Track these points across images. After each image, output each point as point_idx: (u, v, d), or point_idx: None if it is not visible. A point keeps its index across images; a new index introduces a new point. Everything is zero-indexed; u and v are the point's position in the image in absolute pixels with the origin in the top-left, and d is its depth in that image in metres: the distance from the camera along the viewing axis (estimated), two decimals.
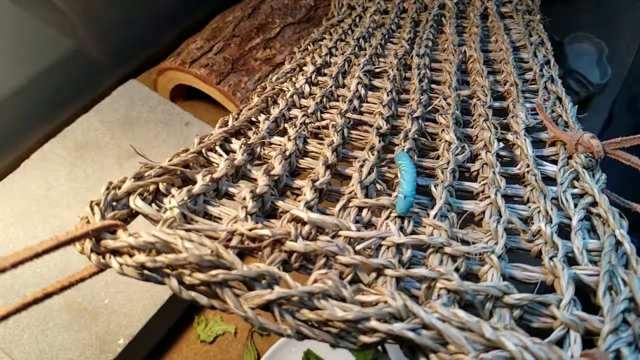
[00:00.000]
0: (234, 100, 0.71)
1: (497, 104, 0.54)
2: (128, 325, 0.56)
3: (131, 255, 0.30)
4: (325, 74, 0.60)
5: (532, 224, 0.37)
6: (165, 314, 0.59)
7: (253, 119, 0.49)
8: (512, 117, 0.50)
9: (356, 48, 0.65)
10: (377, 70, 0.61)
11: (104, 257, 0.31)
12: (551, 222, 0.35)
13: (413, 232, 0.36)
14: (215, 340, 0.64)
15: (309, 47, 0.68)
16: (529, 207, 0.39)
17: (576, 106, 0.52)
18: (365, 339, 0.27)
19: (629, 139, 0.40)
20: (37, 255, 0.28)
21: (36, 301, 0.28)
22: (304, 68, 0.61)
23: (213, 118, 0.79)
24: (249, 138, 0.45)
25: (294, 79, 0.58)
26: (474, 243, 0.34)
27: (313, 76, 0.58)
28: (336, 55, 0.65)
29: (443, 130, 0.49)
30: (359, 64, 0.61)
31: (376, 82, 0.59)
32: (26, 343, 0.54)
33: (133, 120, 0.75)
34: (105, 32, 0.79)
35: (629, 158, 0.39)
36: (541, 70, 0.58)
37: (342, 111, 0.51)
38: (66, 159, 0.69)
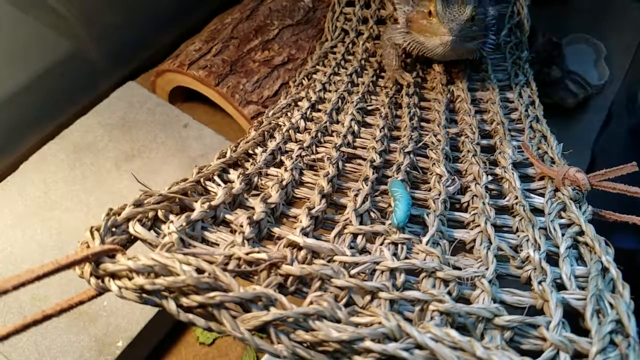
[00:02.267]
0: (232, 102, 0.72)
1: (484, 142, 0.56)
2: (127, 328, 0.56)
3: (130, 279, 0.31)
4: (319, 110, 0.62)
5: (521, 251, 0.38)
6: (164, 316, 0.59)
7: (250, 152, 0.51)
8: (500, 153, 0.52)
9: (349, 84, 0.68)
10: (369, 108, 0.64)
11: (103, 281, 0.32)
12: (540, 249, 0.37)
13: (406, 258, 0.37)
14: (214, 342, 0.63)
15: (303, 81, 0.70)
16: (518, 236, 0.40)
17: (561, 144, 0.54)
18: (360, 359, 0.27)
19: (612, 170, 0.41)
20: (38, 278, 0.29)
21: (35, 323, 0.28)
22: (299, 103, 0.63)
23: (211, 120, 0.80)
24: (247, 169, 0.47)
25: (289, 114, 0.60)
26: (465, 269, 0.35)
27: (308, 112, 0.60)
28: (330, 91, 0.67)
29: (434, 164, 0.51)
30: (352, 102, 0.63)
31: (369, 119, 0.61)
32: (25, 346, 0.54)
33: (131, 122, 0.75)
34: (104, 34, 0.79)
35: (615, 187, 0.41)
36: (526, 110, 0.60)
37: (337, 145, 0.53)
38: (64, 161, 0.70)
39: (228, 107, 0.74)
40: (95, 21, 0.77)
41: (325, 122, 0.58)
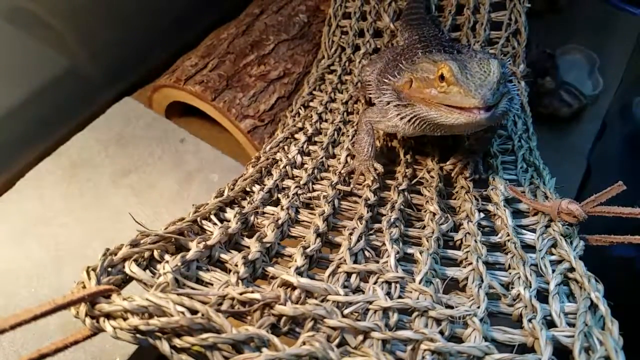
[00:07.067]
0: (228, 117, 0.73)
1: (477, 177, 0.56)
2: (124, 345, 0.55)
3: (125, 319, 0.31)
4: (316, 142, 0.63)
5: (513, 289, 0.38)
6: None
7: (247, 189, 0.51)
8: (492, 189, 0.53)
9: (345, 113, 0.69)
10: None
11: (98, 321, 0.32)
12: (530, 286, 0.37)
13: (400, 297, 0.37)
14: None
15: (300, 111, 0.70)
16: (510, 274, 0.40)
17: (554, 178, 0.55)
18: None
19: (602, 194, 0.42)
20: (36, 317, 0.30)
21: None
22: (296, 136, 0.64)
23: (208, 134, 0.80)
24: (244, 207, 0.47)
25: (286, 148, 0.61)
26: (456, 307, 0.35)
27: (304, 146, 0.61)
28: (326, 121, 0.68)
29: (427, 201, 0.51)
30: (348, 134, 0.64)
31: None
32: None
33: (128, 138, 0.76)
34: (100, 50, 0.80)
35: (609, 210, 0.42)
36: (520, 141, 0.61)
37: (333, 183, 0.53)
38: (61, 178, 0.70)
39: (224, 121, 0.75)
40: (92, 37, 0.78)
41: (322, 158, 0.59)
